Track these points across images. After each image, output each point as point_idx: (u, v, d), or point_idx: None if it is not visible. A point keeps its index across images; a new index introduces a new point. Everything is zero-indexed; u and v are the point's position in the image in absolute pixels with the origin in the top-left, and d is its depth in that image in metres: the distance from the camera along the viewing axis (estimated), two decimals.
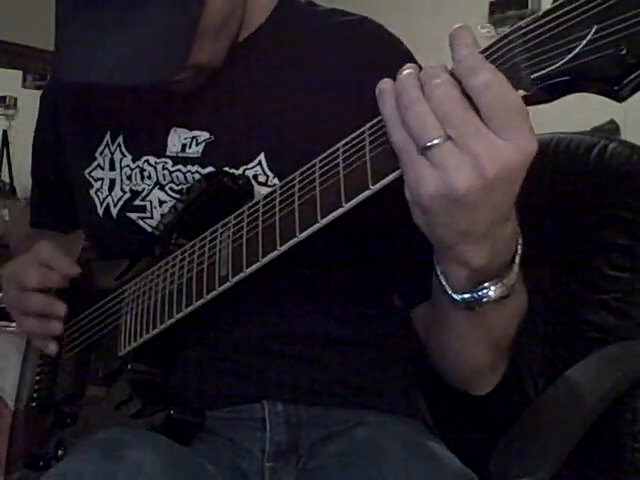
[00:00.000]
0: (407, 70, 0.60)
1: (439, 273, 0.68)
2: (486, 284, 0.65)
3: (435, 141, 0.57)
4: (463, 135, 0.56)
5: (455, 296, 0.67)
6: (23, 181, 3.71)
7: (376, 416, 0.84)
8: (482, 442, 0.94)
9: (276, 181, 0.82)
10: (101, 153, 0.94)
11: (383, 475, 0.70)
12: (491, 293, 0.65)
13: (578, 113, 2.61)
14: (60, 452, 0.90)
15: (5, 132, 4.02)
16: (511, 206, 0.61)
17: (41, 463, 0.91)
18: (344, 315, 0.88)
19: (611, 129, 2.68)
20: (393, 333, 0.92)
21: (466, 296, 0.66)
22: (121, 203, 0.91)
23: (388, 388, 0.89)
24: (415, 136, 0.58)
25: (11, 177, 3.99)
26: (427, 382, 0.92)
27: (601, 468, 1.00)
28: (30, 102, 3.71)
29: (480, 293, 0.66)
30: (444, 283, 0.67)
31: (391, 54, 0.87)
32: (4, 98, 4.00)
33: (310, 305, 0.86)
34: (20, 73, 4.07)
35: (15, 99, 4.03)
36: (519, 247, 0.66)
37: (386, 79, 0.61)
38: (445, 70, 0.58)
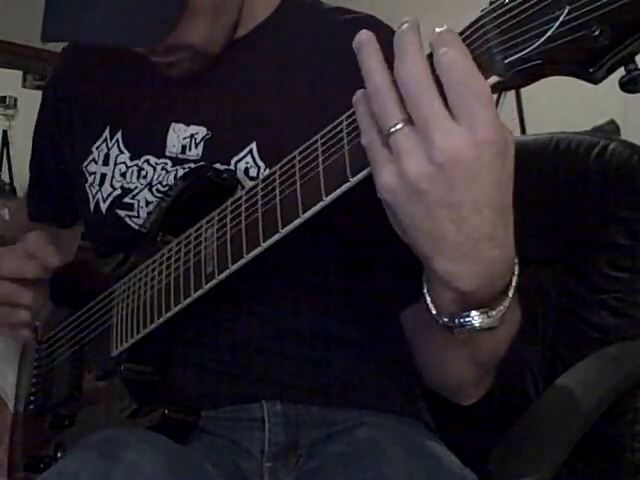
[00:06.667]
0: (373, 59, 0.57)
1: (425, 291, 0.64)
2: (473, 312, 0.60)
3: (398, 126, 0.54)
4: (422, 117, 0.53)
5: (437, 317, 0.63)
6: (23, 181, 3.68)
7: (376, 416, 0.84)
8: (482, 442, 0.94)
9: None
10: (97, 147, 0.94)
11: (383, 475, 0.70)
12: (475, 323, 0.60)
13: (578, 113, 2.62)
14: (60, 454, 0.90)
15: (5, 132, 4.01)
16: (492, 222, 0.55)
17: (41, 465, 0.91)
18: (344, 315, 0.88)
19: (611, 129, 2.67)
20: (393, 333, 0.91)
21: (446, 320, 0.62)
22: (110, 199, 0.91)
23: (388, 388, 0.88)
24: (379, 125, 0.55)
25: (11, 177, 3.98)
26: None
27: (601, 468, 1.00)
28: (30, 102, 3.71)
29: (462, 320, 0.61)
30: (428, 302, 0.63)
31: (393, 52, 0.86)
32: (4, 98, 3.99)
33: (310, 305, 0.86)
34: (20, 73, 4.06)
35: (15, 99, 4.02)
36: (514, 278, 0.61)
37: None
38: (419, 48, 0.55)
